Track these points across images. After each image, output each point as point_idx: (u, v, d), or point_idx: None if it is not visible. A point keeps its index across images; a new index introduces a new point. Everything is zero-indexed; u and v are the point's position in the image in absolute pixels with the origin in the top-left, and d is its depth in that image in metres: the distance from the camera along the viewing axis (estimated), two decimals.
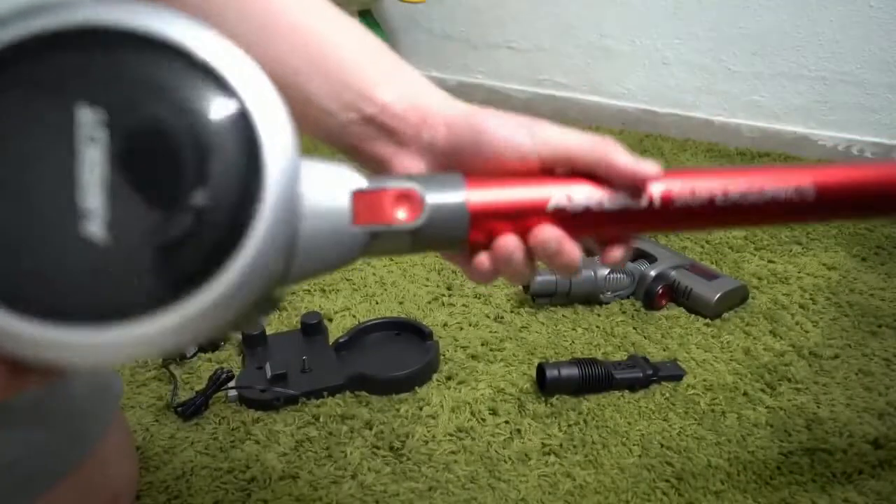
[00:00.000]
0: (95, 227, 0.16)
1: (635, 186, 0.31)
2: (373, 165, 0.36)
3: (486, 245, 0.31)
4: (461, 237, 0.30)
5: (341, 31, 0.35)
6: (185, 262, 0.17)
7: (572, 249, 0.31)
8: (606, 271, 0.86)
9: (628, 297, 0.90)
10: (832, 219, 0.37)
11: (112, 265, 0.16)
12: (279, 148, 0.19)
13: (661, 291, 0.86)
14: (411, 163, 0.34)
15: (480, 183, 0.30)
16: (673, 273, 0.88)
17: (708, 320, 0.85)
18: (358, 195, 0.27)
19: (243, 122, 0.19)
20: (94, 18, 0.17)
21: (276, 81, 0.28)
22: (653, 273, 0.88)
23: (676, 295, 0.88)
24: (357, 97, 0.34)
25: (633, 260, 0.91)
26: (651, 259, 0.91)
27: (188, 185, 0.17)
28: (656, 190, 0.32)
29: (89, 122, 0.17)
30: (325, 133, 0.36)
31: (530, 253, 0.31)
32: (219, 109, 0.18)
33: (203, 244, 0.17)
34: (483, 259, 0.31)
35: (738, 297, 0.88)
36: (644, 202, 0.31)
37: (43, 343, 0.16)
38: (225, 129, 0.18)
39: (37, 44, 0.17)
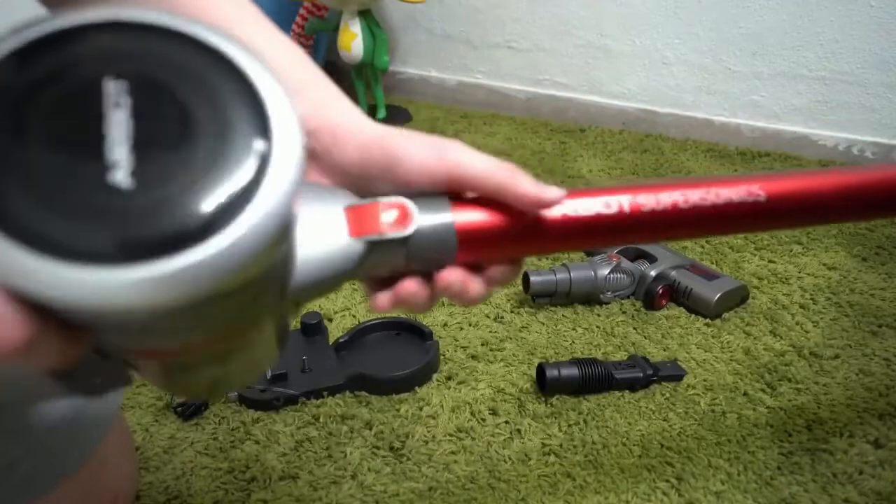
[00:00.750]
0: (121, 175, 0.18)
1: (539, 209, 0.31)
2: None
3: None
4: (451, 248, 0.31)
5: (266, 39, 0.36)
6: (201, 207, 0.18)
7: (475, 288, 0.32)
8: (607, 271, 0.86)
9: (628, 297, 0.90)
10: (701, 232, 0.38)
11: (137, 208, 0.18)
12: (287, 129, 0.21)
13: (661, 291, 0.86)
14: (318, 179, 0.33)
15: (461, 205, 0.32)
16: (673, 273, 0.88)
17: (708, 320, 0.85)
18: (350, 209, 0.29)
19: (256, 104, 0.21)
20: (135, 16, 0.21)
21: None
22: (653, 273, 0.88)
23: (677, 295, 0.88)
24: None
25: (633, 260, 0.91)
26: (651, 259, 0.91)
27: (200, 140, 0.20)
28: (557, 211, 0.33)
29: (115, 91, 0.19)
30: None
31: (433, 291, 0.32)
32: (231, 86, 0.21)
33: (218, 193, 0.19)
34: (382, 298, 0.32)
35: (738, 297, 0.88)
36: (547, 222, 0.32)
37: (83, 286, 0.17)
38: (235, 100, 0.21)
39: (89, 30, 0.20)
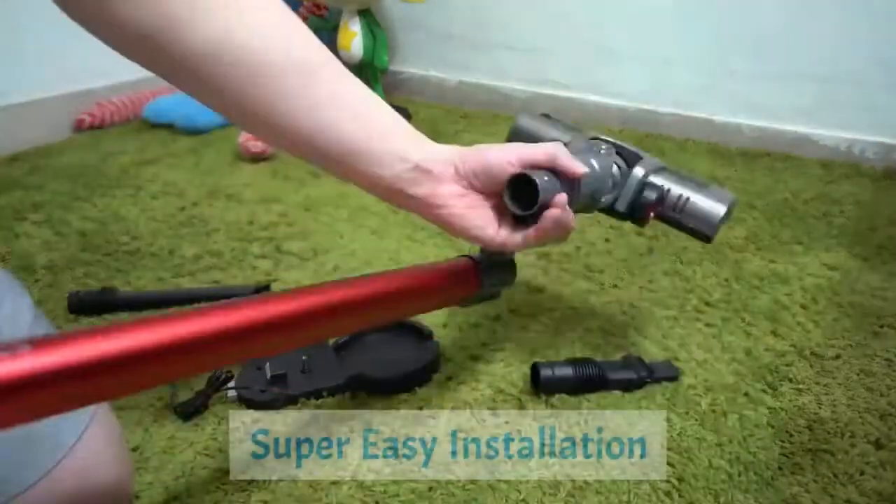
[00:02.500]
0: None
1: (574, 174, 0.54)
2: (419, 203, 0.52)
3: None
4: None
5: (387, 109, 0.52)
6: None
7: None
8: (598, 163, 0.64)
9: (609, 208, 0.67)
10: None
11: None
12: None
13: (655, 197, 0.66)
14: (447, 189, 0.52)
15: None
16: (660, 178, 0.67)
17: (708, 321, 0.85)
18: None
19: None
20: None
21: (356, 153, 0.49)
22: (640, 175, 0.66)
23: (666, 208, 0.67)
24: (407, 152, 0.51)
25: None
26: (634, 158, 0.67)
27: None
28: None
29: None
30: (381, 185, 0.51)
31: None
32: None
33: None
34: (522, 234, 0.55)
35: (731, 214, 0.70)
36: None
37: None
38: None
39: None
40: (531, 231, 0.54)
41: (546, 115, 0.77)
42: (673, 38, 1.51)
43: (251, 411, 0.71)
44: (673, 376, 0.74)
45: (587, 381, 0.72)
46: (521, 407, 0.71)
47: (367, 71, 1.62)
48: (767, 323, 0.85)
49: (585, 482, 0.61)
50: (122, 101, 1.62)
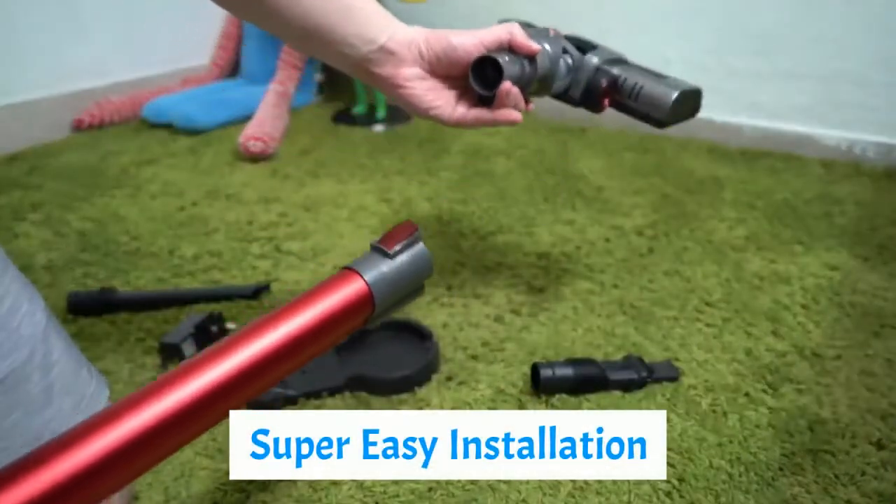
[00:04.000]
0: None
1: (530, 51, 0.60)
2: (382, 81, 0.57)
3: None
4: None
5: None
6: None
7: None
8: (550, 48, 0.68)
9: (564, 94, 0.71)
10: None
11: None
12: None
13: (605, 85, 0.69)
14: (409, 71, 0.57)
15: None
16: (616, 68, 0.71)
17: (709, 321, 0.85)
18: None
19: None
20: None
21: (320, 27, 0.53)
22: (594, 62, 0.69)
23: (621, 95, 0.70)
24: (375, 33, 0.55)
25: (564, 51, 0.71)
26: (588, 47, 0.71)
27: None
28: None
29: None
30: (349, 63, 0.56)
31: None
32: None
33: None
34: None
35: (692, 104, 0.74)
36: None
37: None
38: None
39: None
40: (486, 110, 0.60)
41: (526, 23, 0.80)
42: (674, 37, 1.51)
43: (251, 411, 0.70)
44: (673, 376, 0.74)
45: (587, 381, 0.72)
46: (521, 407, 0.71)
47: None
48: (768, 323, 0.85)
49: (585, 482, 0.61)
50: (121, 101, 1.62)
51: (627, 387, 0.73)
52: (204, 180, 1.30)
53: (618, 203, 1.20)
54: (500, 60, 0.58)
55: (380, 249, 0.46)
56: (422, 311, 0.87)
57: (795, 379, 0.75)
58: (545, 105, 1.83)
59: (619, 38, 1.57)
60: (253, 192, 1.25)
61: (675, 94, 0.68)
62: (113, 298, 0.87)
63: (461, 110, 0.61)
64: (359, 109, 1.69)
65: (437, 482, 0.62)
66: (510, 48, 0.60)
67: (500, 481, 0.62)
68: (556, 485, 0.61)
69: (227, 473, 0.63)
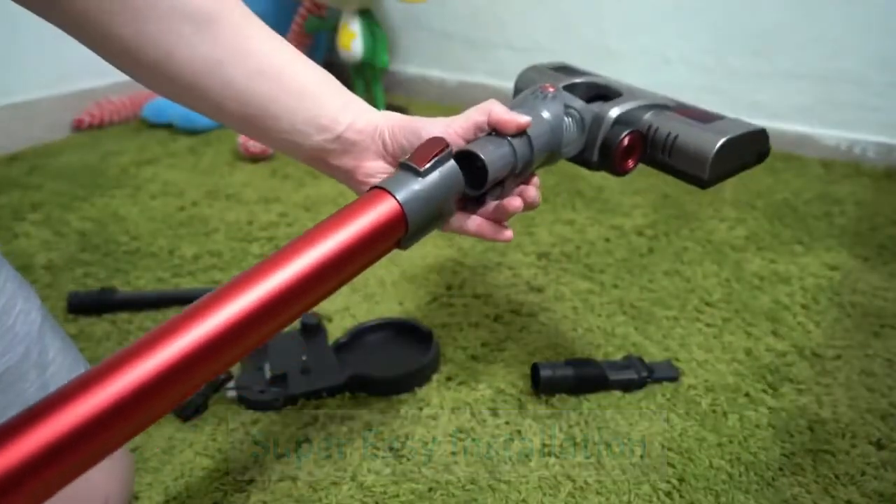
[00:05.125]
0: None
1: (517, 126, 0.47)
2: (342, 174, 0.48)
3: None
4: None
5: (309, 69, 0.46)
6: None
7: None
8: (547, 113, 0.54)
9: (580, 157, 0.57)
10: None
11: None
12: None
13: (626, 142, 0.54)
14: (372, 165, 0.47)
15: None
16: (647, 115, 0.57)
17: (709, 321, 0.85)
18: None
19: None
20: None
21: (265, 113, 0.44)
22: (613, 114, 0.55)
23: (653, 149, 0.56)
24: (329, 121, 0.45)
25: (589, 100, 0.58)
26: (612, 95, 0.58)
27: None
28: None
29: None
30: (303, 153, 0.47)
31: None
32: None
33: None
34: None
35: (748, 151, 0.57)
36: None
37: None
38: None
39: None
40: (484, 216, 0.49)
41: (561, 67, 0.68)
42: (673, 37, 1.51)
43: (251, 412, 0.70)
44: (673, 376, 0.74)
45: (587, 381, 0.72)
46: (521, 407, 0.71)
47: (367, 71, 1.62)
48: (768, 323, 0.84)
49: (586, 482, 0.61)
50: (121, 101, 1.62)
51: (627, 387, 0.73)
52: (204, 180, 1.30)
53: (618, 203, 1.20)
54: (483, 155, 0.45)
55: (410, 167, 0.43)
56: (422, 311, 0.87)
57: (795, 379, 0.75)
58: None
59: (619, 39, 1.58)
60: (253, 192, 1.25)
61: (717, 144, 0.53)
62: (113, 298, 0.87)
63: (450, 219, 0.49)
64: None
65: (437, 482, 0.61)
66: (492, 130, 0.48)
67: (500, 481, 0.62)
68: (556, 485, 0.61)
69: (227, 473, 0.63)
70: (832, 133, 1.41)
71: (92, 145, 1.48)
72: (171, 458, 0.65)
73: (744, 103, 1.48)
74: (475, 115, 0.47)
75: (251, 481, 0.62)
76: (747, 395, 0.72)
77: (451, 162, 0.44)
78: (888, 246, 1.03)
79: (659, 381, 0.74)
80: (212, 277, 0.96)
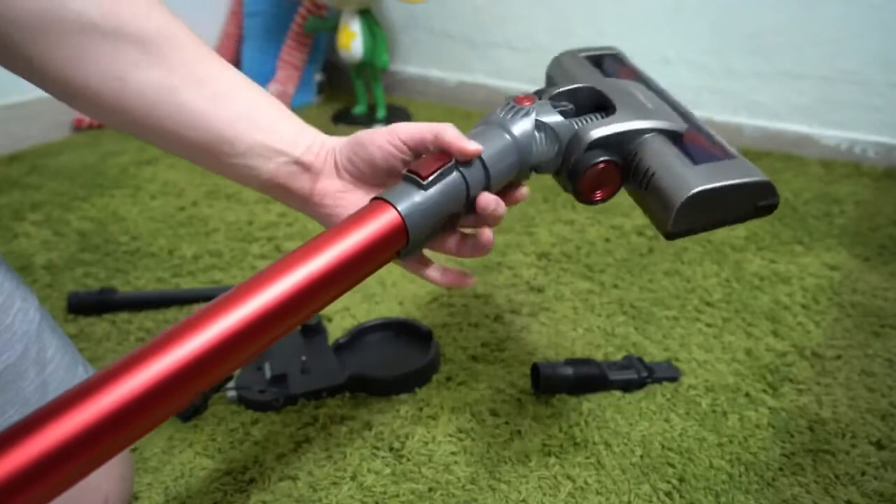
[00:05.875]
0: None
1: (463, 153, 0.43)
2: (298, 198, 0.48)
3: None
4: None
5: (262, 94, 0.46)
6: None
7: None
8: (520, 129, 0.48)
9: (558, 174, 0.51)
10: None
11: None
12: None
13: (595, 171, 0.47)
14: (327, 184, 0.47)
15: None
16: (636, 141, 0.48)
17: (709, 321, 0.85)
18: None
19: None
20: None
21: (223, 139, 0.43)
22: (591, 136, 0.47)
23: (634, 180, 0.48)
24: (287, 145, 0.45)
25: (589, 111, 0.51)
26: (607, 111, 0.50)
27: None
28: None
29: None
30: (261, 178, 0.46)
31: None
32: None
33: None
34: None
35: (742, 203, 0.46)
36: None
37: None
38: None
39: None
40: (449, 246, 0.48)
41: (592, 58, 0.61)
42: (673, 37, 1.51)
43: (251, 412, 0.71)
44: (673, 376, 0.74)
45: (587, 381, 0.72)
46: (522, 407, 0.71)
47: (367, 71, 1.62)
48: (768, 323, 0.84)
49: (585, 482, 0.61)
50: None
51: (627, 387, 0.73)
52: (204, 180, 1.30)
53: (618, 203, 1.19)
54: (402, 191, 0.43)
55: (412, 178, 0.43)
56: (422, 311, 0.87)
57: (795, 379, 0.75)
58: None
59: (619, 39, 1.58)
60: (253, 192, 1.24)
61: (687, 194, 0.43)
62: (113, 298, 0.87)
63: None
64: (359, 110, 1.69)
65: (437, 482, 0.61)
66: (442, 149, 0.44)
67: (500, 481, 0.62)
68: (556, 485, 0.61)
69: (227, 473, 0.63)
70: (832, 133, 1.41)
71: (92, 145, 1.48)
72: (171, 458, 0.65)
73: (743, 103, 1.48)
74: (422, 128, 0.45)
75: (251, 481, 0.62)
76: (747, 395, 0.72)
77: (455, 174, 0.44)
78: (888, 246, 1.03)
79: (659, 381, 0.74)
80: (212, 277, 0.96)
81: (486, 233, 0.47)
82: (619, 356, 0.78)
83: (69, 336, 0.54)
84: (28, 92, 1.48)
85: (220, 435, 0.67)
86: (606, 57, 0.62)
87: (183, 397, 0.33)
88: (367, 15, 1.56)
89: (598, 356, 0.78)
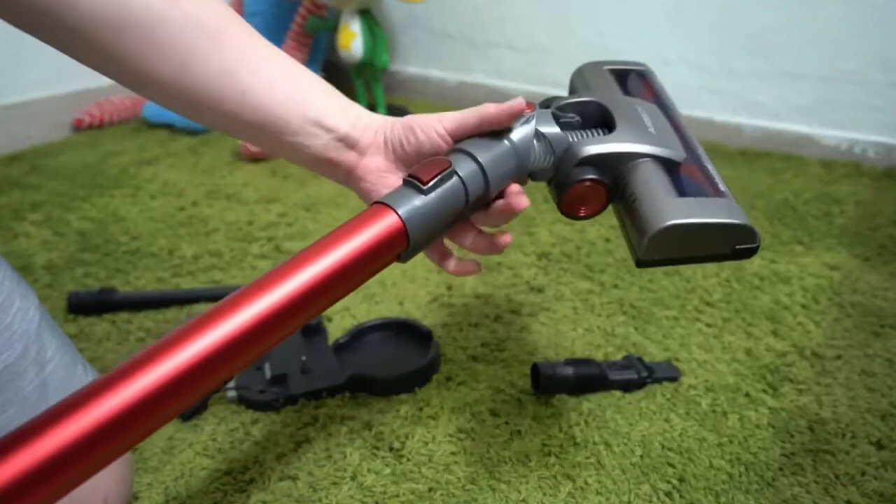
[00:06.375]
0: None
1: (511, 116, 0.47)
2: (343, 171, 0.50)
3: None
4: None
5: (311, 75, 0.49)
6: None
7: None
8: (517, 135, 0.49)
9: (549, 183, 0.52)
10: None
11: None
12: None
13: (580, 188, 0.48)
14: (371, 160, 0.49)
15: None
16: (628, 164, 0.48)
17: (709, 321, 0.85)
18: None
19: None
20: None
21: (279, 118, 0.46)
22: (584, 152, 0.48)
23: (619, 203, 0.49)
24: (336, 121, 0.48)
25: (596, 125, 0.52)
26: (609, 127, 0.51)
27: None
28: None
29: None
30: (309, 154, 0.49)
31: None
32: None
33: None
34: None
35: (720, 243, 0.46)
36: None
37: None
38: None
39: None
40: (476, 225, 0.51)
41: (614, 72, 0.61)
42: (673, 37, 1.51)
43: (251, 412, 0.71)
44: (673, 376, 0.74)
45: (587, 381, 0.72)
46: (522, 407, 0.71)
47: (367, 71, 1.62)
48: (768, 323, 0.84)
49: (585, 482, 0.61)
50: (121, 101, 1.62)
51: (627, 387, 0.73)
52: (204, 180, 1.30)
53: None
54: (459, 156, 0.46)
55: (413, 183, 0.44)
56: (422, 311, 0.87)
57: (795, 379, 0.75)
58: None
59: (619, 39, 1.58)
60: (253, 192, 1.25)
61: (662, 224, 0.44)
62: (113, 298, 0.87)
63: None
64: None
65: (437, 482, 0.61)
66: (479, 135, 0.48)
67: (500, 481, 0.62)
68: (556, 485, 0.61)
69: (227, 473, 0.63)
70: (832, 133, 1.41)
71: (92, 145, 1.48)
72: (171, 458, 0.65)
73: (743, 103, 1.48)
74: (469, 117, 0.48)
75: (251, 481, 0.62)
76: (747, 395, 0.72)
77: (455, 179, 0.45)
78: (888, 246, 1.03)
79: (659, 381, 0.74)
80: (212, 277, 0.96)
81: (506, 236, 0.50)
82: (619, 356, 0.78)
83: (69, 336, 0.54)
84: (28, 92, 1.48)
85: (220, 435, 0.67)
86: (632, 73, 0.62)
87: (183, 402, 0.34)
88: (367, 15, 1.56)
89: (598, 356, 0.78)
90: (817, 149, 1.42)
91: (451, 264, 0.53)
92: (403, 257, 0.45)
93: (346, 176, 0.51)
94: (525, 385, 0.74)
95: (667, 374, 0.74)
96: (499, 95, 1.75)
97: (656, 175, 0.47)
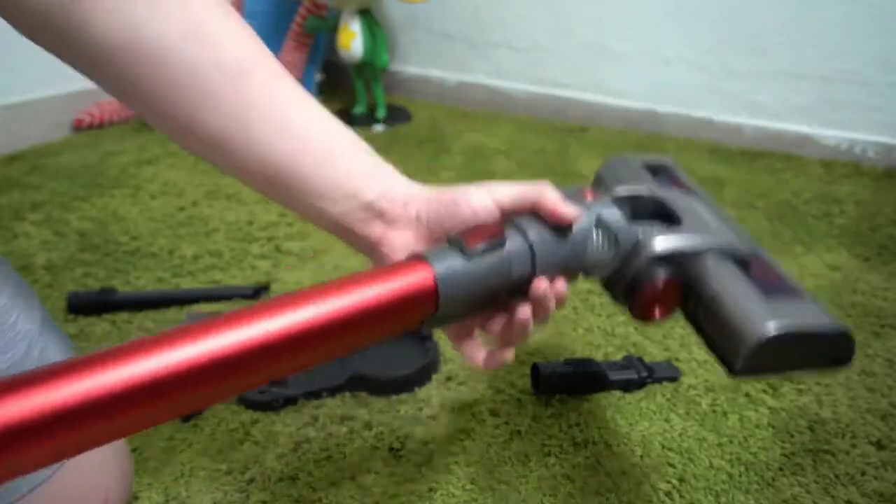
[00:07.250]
0: None
1: (557, 218, 0.40)
2: (365, 244, 0.44)
3: None
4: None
5: (338, 128, 0.43)
6: None
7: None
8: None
9: (608, 284, 0.46)
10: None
11: None
12: None
13: (658, 287, 0.42)
14: (398, 235, 0.42)
15: None
16: (701, 262, 0.43)
17: None
18: None
19: None
20: None
21: (288, 174, 0.41)
22: (656, 247, 0.43)
23: (693, 303, 0.43)
24: (358, 188, 0.42)
25: (646, 217, 0.47)
26: (672, 221, 0.46)
27: None
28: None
29: None
30: (327, 220, 0.43)
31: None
32: None
33: None
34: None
35: (819, 353, 0.41)
36: None
37: None
38: None
39: None
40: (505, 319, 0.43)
41: (653, 167, 0.56)
42: (674, 37, 1.51)
43: (251, 412, 0.70)
44: (673, 376, 0.74)
45: (587, 381, 0.72)
46: (522, 408, 0.71)
47: (367, 71, 1.62)
48: None
49: (585, 482, 0.61)
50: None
51: (627, 387, 0.73)
52: (204, 180, 1.30)
53: None
54: (524, 237, 0.40)
55: (458, 243, 0.39)
56: None
57: (795, 379, 0.75)
58: (545, 104, 1.83)
59: (619, 39, 1.58)
60: (253, 192, 1.24)
61: (765, 336, 0.38)
62: (113, 298, 0.87)
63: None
64: (359, 109, 1.69)
65: (437, 482, 0.61)
66: (536, 213, 0.41)
67: (500, 481, 0.62)
68: (555, 485, 0.61)
69: (227, 473, 0.63)
70: (832, 133, 1.41)
71: (92, 145, 1.48)
72: (170, 457, 0.65)
73: (744, 103, 1.48)
74: (525, 197, 0.41)
75: (251, 481, 0.62)
76: (747, 395, 0.72)
77: (503, 252, 0.39)
78: (888, 246, 1.03)
79: (659, 381, 0.74)
80: (212, 277, 0.96)
81: (527, 312, 0.41)
82: (619, 356, 0.78)
83: (69, 336, 0.54)
84: (28, 92, 1.48)
85: (220, 435, 0.67)
86: (660, 167, 0.58)
87: (193, 401, 0.30)
88: (367, 15, 1.56)
89: (598, 356, 0.78)
90: (817, 149, 1.42)
91: (479, 354, 0.44)
92: (427, 324, 0.39)
93: (369, 249, 0.44)
94: (525, 385, 0.74)
95: (667, 374, 0.74)
96: (499, 95, 1.76)
97: (734, 274, 0.43)
